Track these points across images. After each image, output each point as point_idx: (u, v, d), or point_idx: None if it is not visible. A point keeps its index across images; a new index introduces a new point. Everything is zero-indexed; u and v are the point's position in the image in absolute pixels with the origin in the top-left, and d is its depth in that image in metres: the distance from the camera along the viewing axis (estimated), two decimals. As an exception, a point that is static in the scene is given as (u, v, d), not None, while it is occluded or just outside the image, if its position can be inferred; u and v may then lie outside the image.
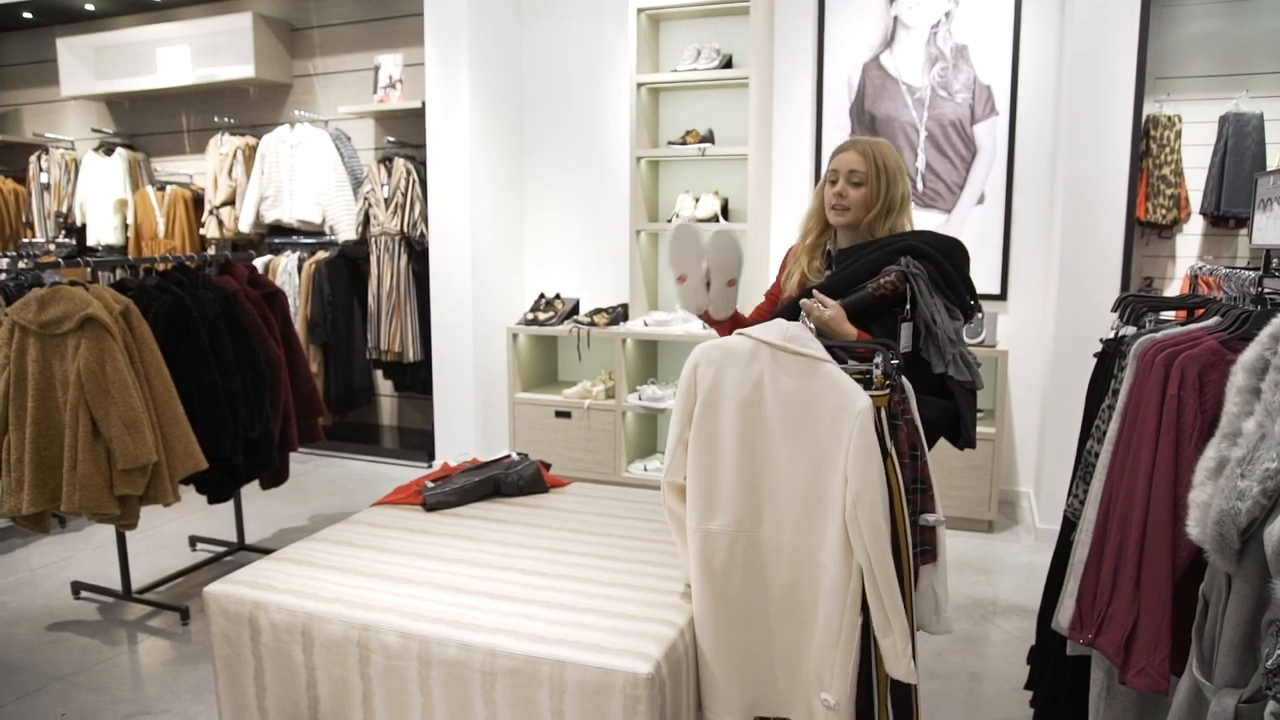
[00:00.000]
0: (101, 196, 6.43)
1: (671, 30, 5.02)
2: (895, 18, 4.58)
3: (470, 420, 5.14)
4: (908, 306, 2.12)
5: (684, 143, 4.81)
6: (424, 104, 5.10)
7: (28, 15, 6.59)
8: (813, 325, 2.07)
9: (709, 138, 4.79)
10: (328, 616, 2.20)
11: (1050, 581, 2.44)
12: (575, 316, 5.10)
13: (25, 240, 6.85)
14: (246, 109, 6.21)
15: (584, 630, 2.08)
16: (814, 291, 2.19)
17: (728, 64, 4.77)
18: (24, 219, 7.02)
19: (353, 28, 5.81)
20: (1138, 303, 2.26)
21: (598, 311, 5.03)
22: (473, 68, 4.95)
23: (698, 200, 4.86)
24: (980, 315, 2.44)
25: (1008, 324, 4.56)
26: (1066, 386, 3.90)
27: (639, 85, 4.82)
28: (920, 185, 4.61)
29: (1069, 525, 2.28)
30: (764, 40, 4.68)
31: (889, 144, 2.41)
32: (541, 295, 5.28)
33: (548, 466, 3.07)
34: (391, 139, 5.54)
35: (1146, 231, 4.40)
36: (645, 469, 4.83)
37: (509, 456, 3.06)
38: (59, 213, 6.74)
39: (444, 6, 4.93)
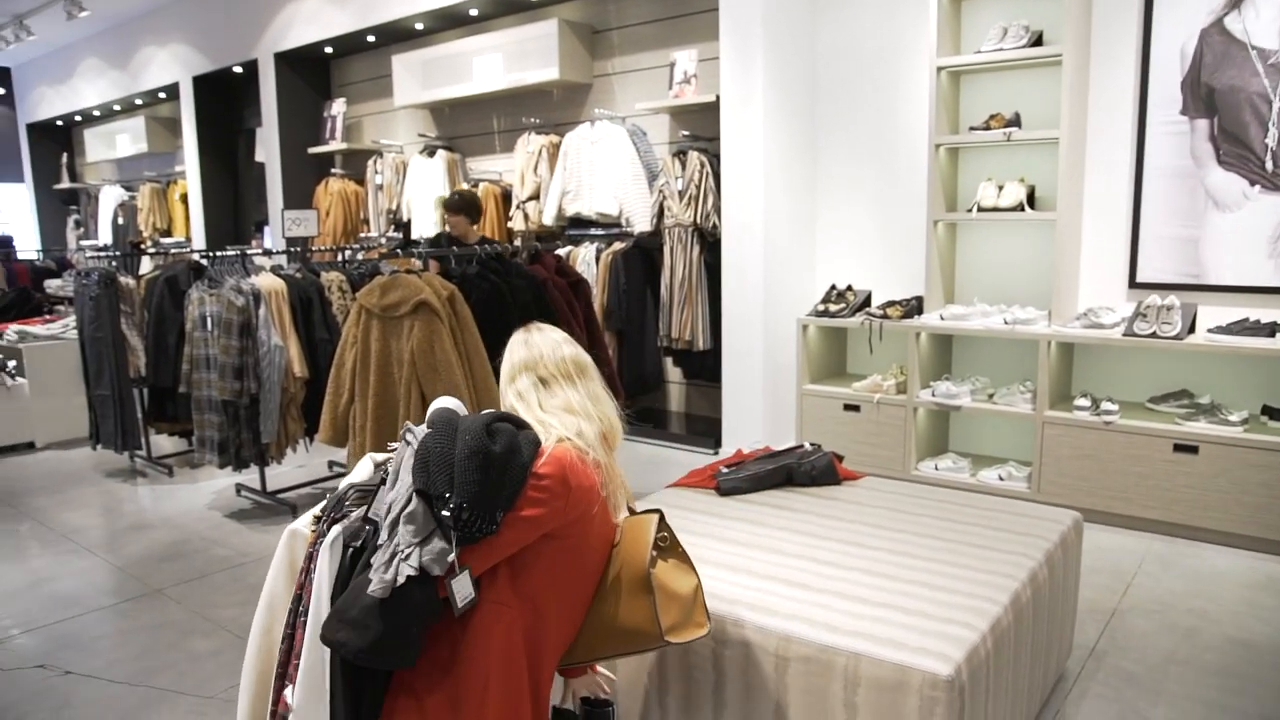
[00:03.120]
0: (424, 194, 7.10)
1: (974, 9, 4.77)
2: (1241, -23, 4.08)
3: (758, 410, 5.19)
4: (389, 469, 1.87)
5: (987, 128, 4.56)
6: (718, 98, 5.20)
7: (370, 39, 7.42)
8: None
9: (1015, 121, 4.51)
10: (629, 589, 2.31)
11: None
12: (867, 309, 4.99)
13: (362, 235, 7.73)
14: (551, 109, 6.62)
15: (880, 625, 2.04)
16: None
17: (1038, 41, 4.46)
18: (362, 216, 7.92)
19: (650, 27, 6.02)
20: None
21: (891, 304, 4.90)
22: (767, 60, 4.97)
23: (1001, 188, 4.59)
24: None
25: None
26: None
27: (939, 69, 4.62)
28: (1270, 165, 4.08)
29: None
30: (1080, 13, 4.33)
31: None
32: (833, 287, 5.22)
33: (840, 459, 3.04)
34: (686, 133, 5.69)
35: None
36: (936, 468, 4.65)
37: (802, 446, 3.06)
38: (390, 210, 7.54)
39: (738, 1, 4.99)
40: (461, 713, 1.69)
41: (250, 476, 5.00)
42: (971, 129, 4.65)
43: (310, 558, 1.77)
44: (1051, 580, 2.51)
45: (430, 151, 7.14)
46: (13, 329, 6.69)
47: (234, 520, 4.70)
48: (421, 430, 1.76)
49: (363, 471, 1.95)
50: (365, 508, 1.76)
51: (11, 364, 6.34)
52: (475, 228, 5.15)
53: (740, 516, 2.74)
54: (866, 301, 5.09)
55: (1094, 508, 4.16)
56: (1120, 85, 4.44)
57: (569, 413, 1.83)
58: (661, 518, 1.92)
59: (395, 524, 1.64)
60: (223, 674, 3.05)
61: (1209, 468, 3.91)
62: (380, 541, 1.65)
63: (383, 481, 1.78)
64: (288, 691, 1.79)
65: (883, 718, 1.93)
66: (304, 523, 1.81)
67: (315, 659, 1.72)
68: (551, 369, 1.89)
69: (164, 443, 6.03)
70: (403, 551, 1.60)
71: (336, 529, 1.74)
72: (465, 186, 6.80)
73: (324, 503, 1.86)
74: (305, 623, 1.73)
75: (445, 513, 1.61)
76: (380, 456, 1.97)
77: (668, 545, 1.91)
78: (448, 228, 5.23)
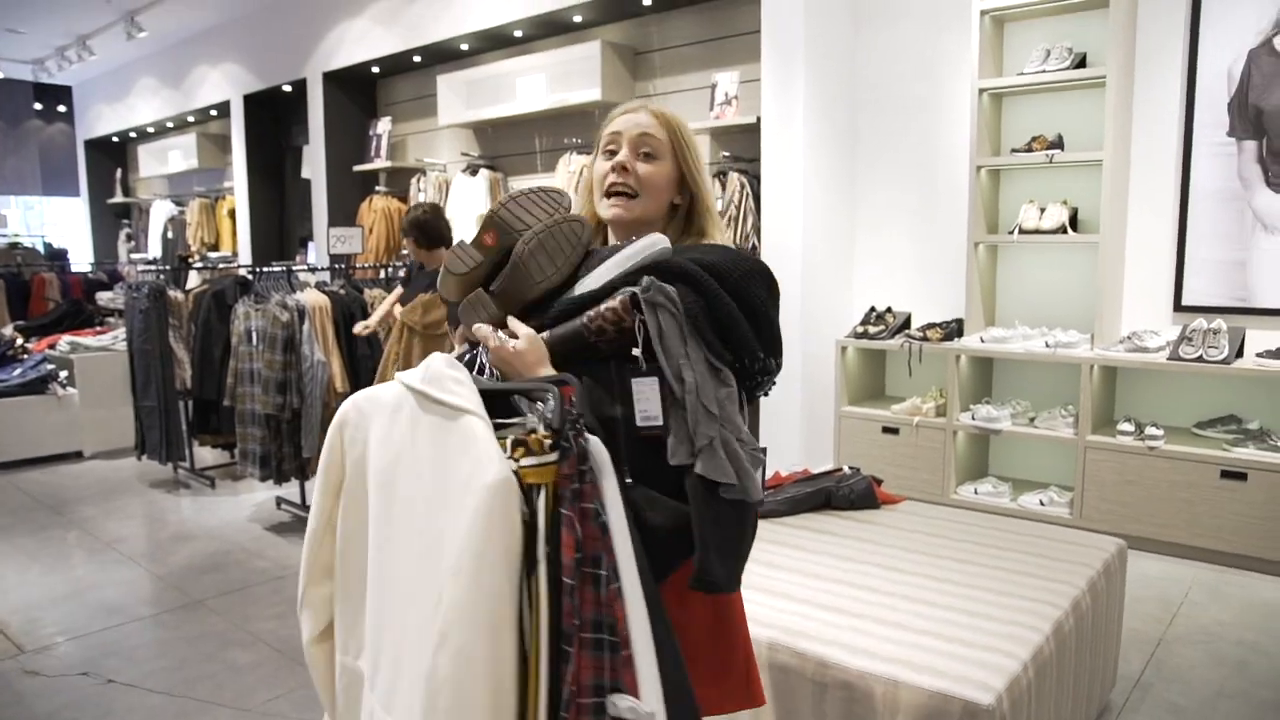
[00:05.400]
0: (466, 212, 7.18)
1: (1017, 31, 4.75)
2: (1292, -2, 4.02)
3: (795, 431, 5.17)
4: (636, 352, 1.35)
5: (1029, 149, 4.53)
6: (759, 119, 5.21)
7: (416, 59, 7.54)
8: (483, 357, 1.40)
9: (1058, 143, 4.47)
10: (665, 609, 2.30)
11: None
12: (907, 331, 4.96)
13: (404, 252, 7.82)
14: (593, 129, 6.61)
15: (919, 651, 2.02)
16: (510, 318, 1.42)
17: (1081, 63, 4.43)
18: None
19: (692, 49, 6.06)
20: None
21: (930, 326, 4.86)
22: (808, 82, 4.98)
23: (1043, 210, 4.55)
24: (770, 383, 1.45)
25: None
26: None
27: (981, 91, 4.60)
28: (1319, 189, 4.01)
29: None
30: (1124, 35, 4.30)
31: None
32: (872, 308, 5.20)
33: (879, 482, 3.02)
34: (726, 153, 5.70)
35: None
36: (975, 492, 4.59)
37: (841, 470, 3.04)
38: (432, 228, 7.61)
39: (780, 23, 5.00)
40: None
41: (290, 490, 5.07)
42: (1013, 151, 4.62)
43: (581, 514, 1.14)
44: (1095, 609, 2.47)
45: (473, 170, 7.22)
46: (65, 340, 6.85)
47: (273, 533, 4.76)
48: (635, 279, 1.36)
49: (417, 379, 1.28)
50: (564, 412, 1.17)
51: (63, 374, 6.49)
52: (437, 252, 4.32)
53: (777, 540, 2.73)
54: (906, 323, 5.06)
55: (1138, 534, 4.09)
56: (1165, 107, 4.39)
57: None
58: None
59: (719, 407, 1.33)
60: (261, 686, 3.08)
61: (1258, 495, 3.83)
62: (703, 442, 1.31)
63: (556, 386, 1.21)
64: (624, 707, 1.14)
65: (921, 746, 1.91)
66: (495, 473, 1.10)
67: (644, 632, 1.18)
68: None
69: (206, 454, 6.14)
70: (746, 438, 1.35)
71: (600, 454, 1.19)
72: (424, 202, 5.80)
73: (516, 433, 1.19)
74: (614, 594, 1.13)
75: (761, 378, 1.40)
76: (459, 350, 1.52)
77: None
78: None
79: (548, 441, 1.14)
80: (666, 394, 1.33)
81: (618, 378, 1.36)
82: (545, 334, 1.40)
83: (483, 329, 1.39)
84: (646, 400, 1.35)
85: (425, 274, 4.24)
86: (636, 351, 1.35)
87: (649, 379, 1.35)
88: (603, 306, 1.37)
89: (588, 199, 1.61)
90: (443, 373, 1.24)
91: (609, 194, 1.55)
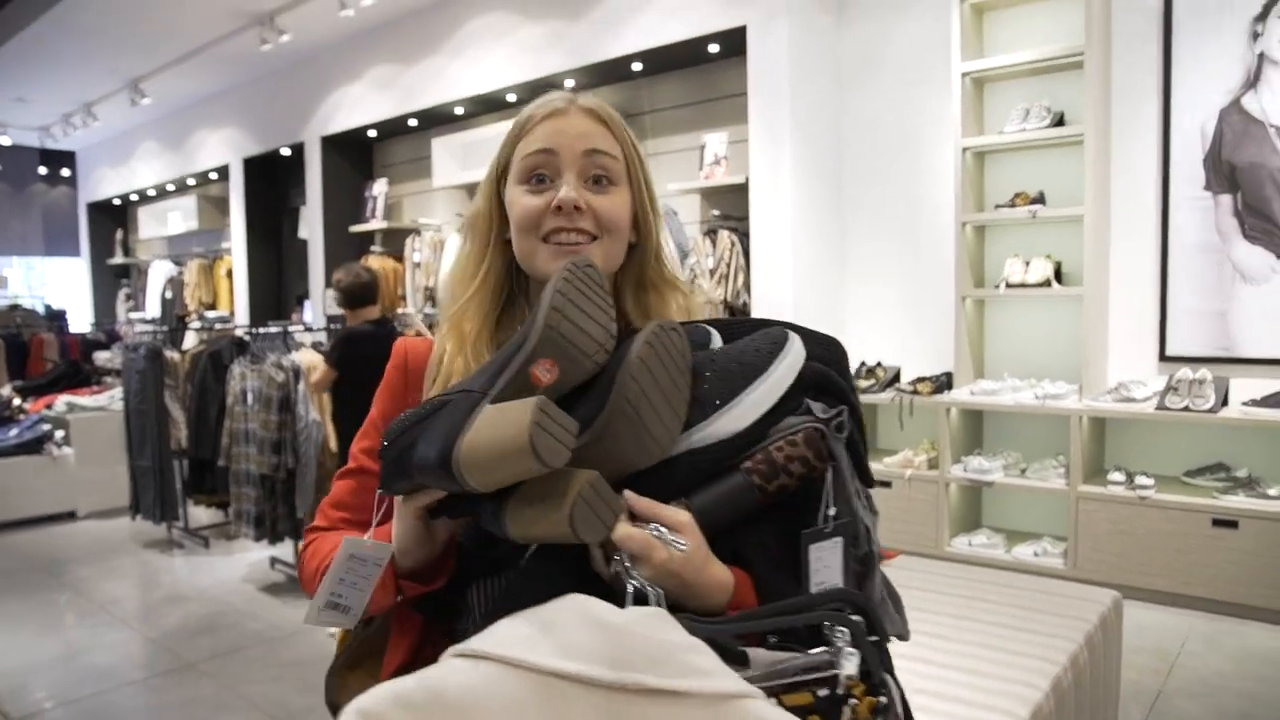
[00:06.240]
0: (462, 272, 7.24)
1: (997, 91, 4.87)
2: (1260, 54, 4.14)
3: (787, 485, 5.19)
4: (829, 511, 0.99)
5: (1013, 205, 4.63)
6: (747, 179, 5.31)
7: (412, 122, 7.68)
8: (637, 580, 0.87)
9: (1040, 199, 4.57)
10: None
11: None
12: (897, 384, 5.01)
13: (399, 310, 7.88)
14: (585, 190, 6.75)
15: (918, 712, 2.00)
16: (626, 493, 0.92)
17: (1059, 122, 4.55)
18: (400, 292, 8.09)
19: (681, 111, 6.19)
20: None
21: (920, 380, 4.91)
22: (794, 141, 5.09)
23: (1028, 264, 4.63)
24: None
25: None
26: None
27: (963, 149, 4.71)
28: (1297, 242, 4.10)
29: None
30: (1100, 94, 4.42)
31: None
32: (863, 363, 5.25)
33: (870, 536, 3.03)
34: (716, 212, 5.79)
35: None
36: (969, 544, 4.60)
37: (831, 523, 3.06)
38: (427, 287, 7.69)
39: (766, 86, 5.13)
40: None
41: (284, 550, 5.05)
42: (997, 207, 4.72)
43: None
44: (1093, 663, 2.47)
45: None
46: (62, 400, 6.88)
47: (267, 594, 4.74)
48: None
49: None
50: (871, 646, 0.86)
51: (59, 434, 6.50)
52: (360, 311, 4.61)
53: (770, 594, 2.73)
54: (896, 377, 5.11)
55: (1132, 584, 4.09)
56: (1142, 163, 4.50)
57: None
58: None
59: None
60: (255, 749, 3.06)
61: (1250, 543, 3.85)
62: (878, 597, 1.05)
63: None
64: None
65: (915, 802, 1.91)
66: None
67: None
68: None
69: (200, 514, 6.12)
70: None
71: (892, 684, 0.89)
72: (354, 265, 5.01)
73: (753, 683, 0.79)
74: None
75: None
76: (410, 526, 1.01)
77: None
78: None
79: (876, 700, 0.83)
80: (846, 552, 0.98)
81: (779, 545, 0.97)
82: (678, 503, 0.95)
83: (636, 535, 0.89)
84: (827, 569, 0.96)
85: (358, 333, 4.47)
86: (832, 511, 0.98)
87: (833, 540, 0.97)
88: (777, 453, 0.97)
89: (501, 260, 1.17)
90: (665, 641, 0.75)
91: (551, 240, 1.09)
